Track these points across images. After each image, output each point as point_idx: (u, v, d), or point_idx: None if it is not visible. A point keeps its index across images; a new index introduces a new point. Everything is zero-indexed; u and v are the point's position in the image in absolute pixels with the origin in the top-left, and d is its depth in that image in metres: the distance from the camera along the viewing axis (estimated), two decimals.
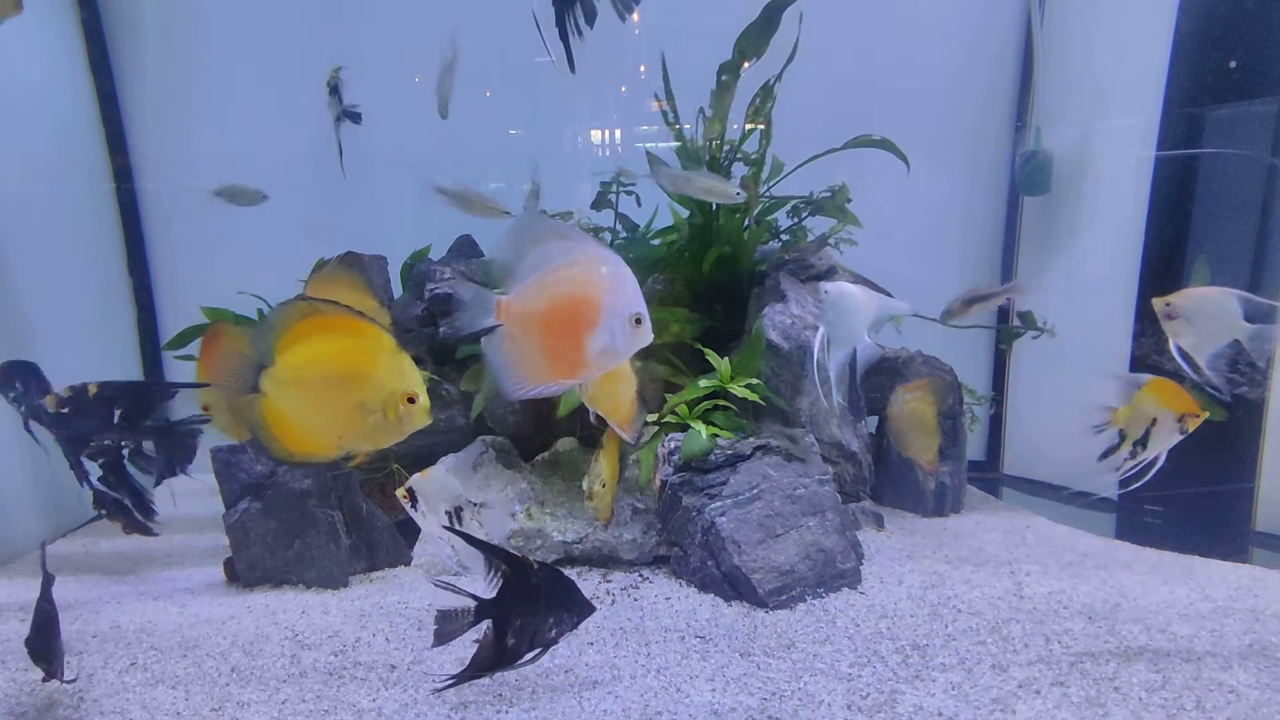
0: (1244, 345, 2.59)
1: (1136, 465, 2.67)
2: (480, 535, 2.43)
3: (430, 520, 2.49)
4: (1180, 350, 2.66)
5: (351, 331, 2.08)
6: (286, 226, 3.97)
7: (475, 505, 2.55)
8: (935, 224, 4.70)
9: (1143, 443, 2.65)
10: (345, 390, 2.08)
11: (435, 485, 2.50)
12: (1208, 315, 2.63)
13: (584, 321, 1.99)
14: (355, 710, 2.25)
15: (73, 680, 2.40)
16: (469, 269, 3.92)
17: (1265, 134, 3.66)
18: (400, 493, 2.49)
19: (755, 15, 3.46)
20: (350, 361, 2.07)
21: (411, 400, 2.09)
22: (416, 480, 2.50)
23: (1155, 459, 2.66)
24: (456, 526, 2.48)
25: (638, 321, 1.99)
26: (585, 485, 3.12)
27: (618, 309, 1.98)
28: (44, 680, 2.23)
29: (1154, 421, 2.62)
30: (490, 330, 2.04)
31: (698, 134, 3.69)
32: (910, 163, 3.66)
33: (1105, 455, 2.74)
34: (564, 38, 2.71)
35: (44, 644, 2.21)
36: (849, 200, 3.85)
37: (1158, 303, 2.69)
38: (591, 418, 3.24)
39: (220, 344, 2.73)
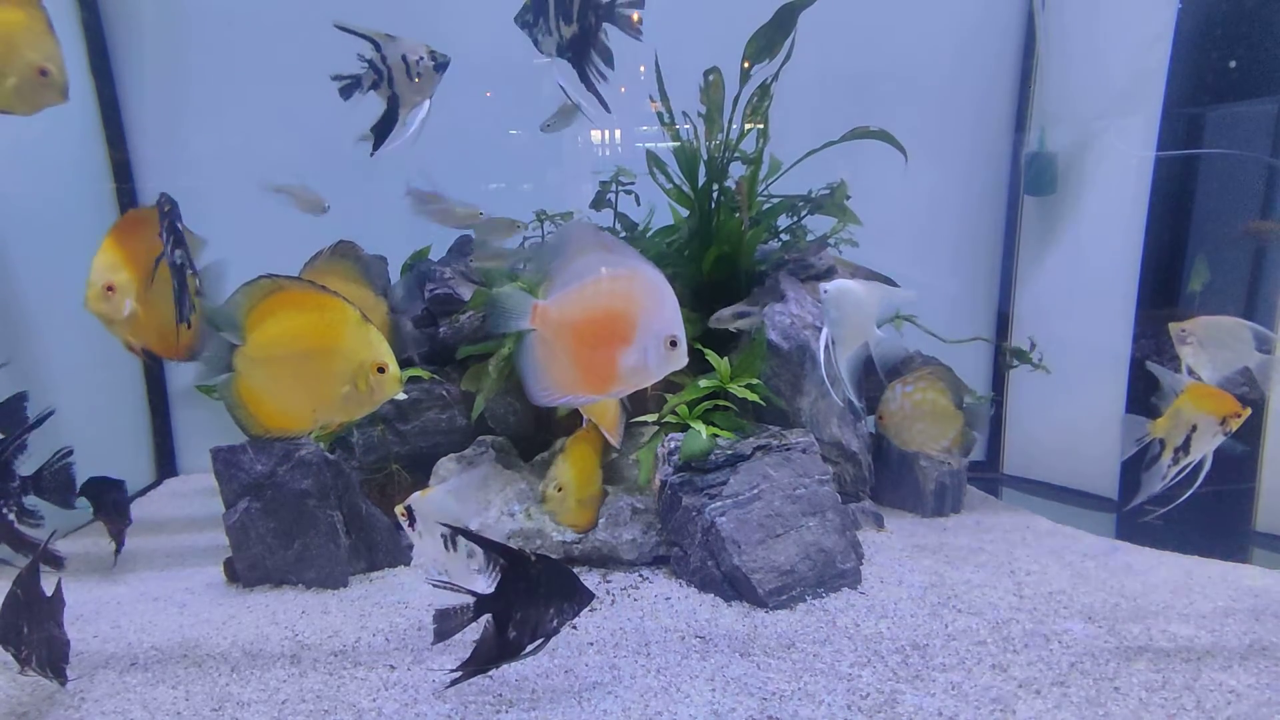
0: (1254, 373, 2.68)
1: (1180, 471, 2.70)
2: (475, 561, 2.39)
3: (426, 542, 2.41)
4: (1191, 373, 2.78)
5: (316, 305, 2.10)
6: (286, 226, 3.96)
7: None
8: (935, 223, 4.70)
9: (1184, 449, 2.69)
10: (316, 364, 2.10)
11: (435, 507, 2.43)
12: (1221, 343, 2.72)
13: (618, 337, 1.97)
14: (355, 710, 2.25)
15: (75, 678, 2.39)
16: (469, 269, 3.93)
17: (1265, 134, 3.66)
18: (399, 510, 2.42)
19: (754, 16, 3.46)
20: (318, 335, 2.09)
21: (381, 370, 2.10)
22: (416, 500, 2.43)
23: (1202, 463, 2.70)
24: (455, 532, 2.43)
25: (673, 344, 1.97)
26: (540, 488, 3.11)
27: (654, 329, 1.96)
28: (20, 671, 2.22)
29: (1194, 428, 2.66)
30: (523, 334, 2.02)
31: (700, 134, 3.69)
32: (910, 162, 3.66)
33: (1148, 467, 2.77)
34: (590, 87, 2.75)
35: (12, 629, 2.20)
36: (848, 197, 3.85)
37: (1174, 327, 2.81)
38: (584, 423, 3.25)
39: (143, 231, 2.61)
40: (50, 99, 2.33)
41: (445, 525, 2.31)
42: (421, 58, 2.74)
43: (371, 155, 2.84)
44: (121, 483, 3.43)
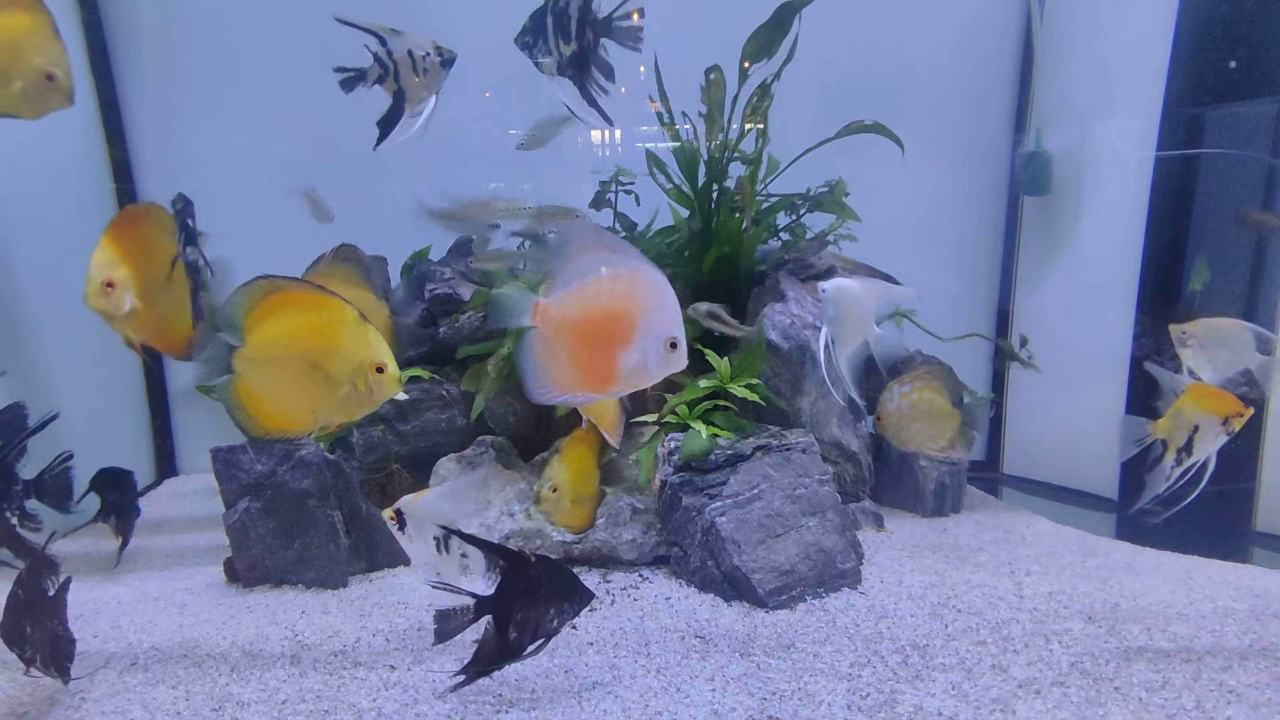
0: (1254, 375, 2.68)
1: (1184, 472, 2.69)
2: (467, 567, 2.34)
3: (417, 545, 2.37)
4: (1192, 374, 2.78)
5: (314, 305, 2.09)
6: (286, 227, 3.97)
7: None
8: (935, 223, 4.70)
9: (1187, 449, 2.68)
10: (314, 364, 2.09)
11: (427, 510, 2.38)
12: (1222, 345, 2.72)
13: (619, 337, 1.97)
14: (355, 710, 2.25)
15: (78, 677, 2.39)
16: (469, 269, 3.92)
17: (1265, 134, 3.66)
18: (388, 514, 2.38)
19: (755, 16, 3.46)
20: (316, 335, 2.09)
21: (380, 369, 2.10)
22: (407, 501, 2.38)
23: (1206, 464, 2.69)
24: (455, 536, 2.39)
25: (673, 346, 1.97)
26: (535, 488, 3.10)
27: (654, 330, 1.96)
28: (25, 672, 2.23)
29: (1196, 428, 2.65)
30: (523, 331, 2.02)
31: (700, 134, 3.69)
32: (910, 161, 3.66)
33: (1151, 469, 2.77)
34: (593, 103, 2.79)
35: (15, 630, 2.21)
36: (846, 194, 3.85)
37: (1174, 329, 2.81)
38: (583, 423, 3.25)
39: (142, 227, 2.60)
40: (56, 104, 2.33)
41: (442, 528, 2.30)
42: (428, 53, 2.73)
43: (375, 149, 2.83)
44: (131, 474, 3.45)
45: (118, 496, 3.43)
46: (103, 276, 2.51)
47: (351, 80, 2.77)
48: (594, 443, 3.28)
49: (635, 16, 2.76)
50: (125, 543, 3.44)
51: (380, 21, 2.78)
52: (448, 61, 2.76)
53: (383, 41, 2.72)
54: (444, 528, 2.33)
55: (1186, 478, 2.71)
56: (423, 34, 2.80)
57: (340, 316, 2.10)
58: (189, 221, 2.63)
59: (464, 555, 2.34)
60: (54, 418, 2.96)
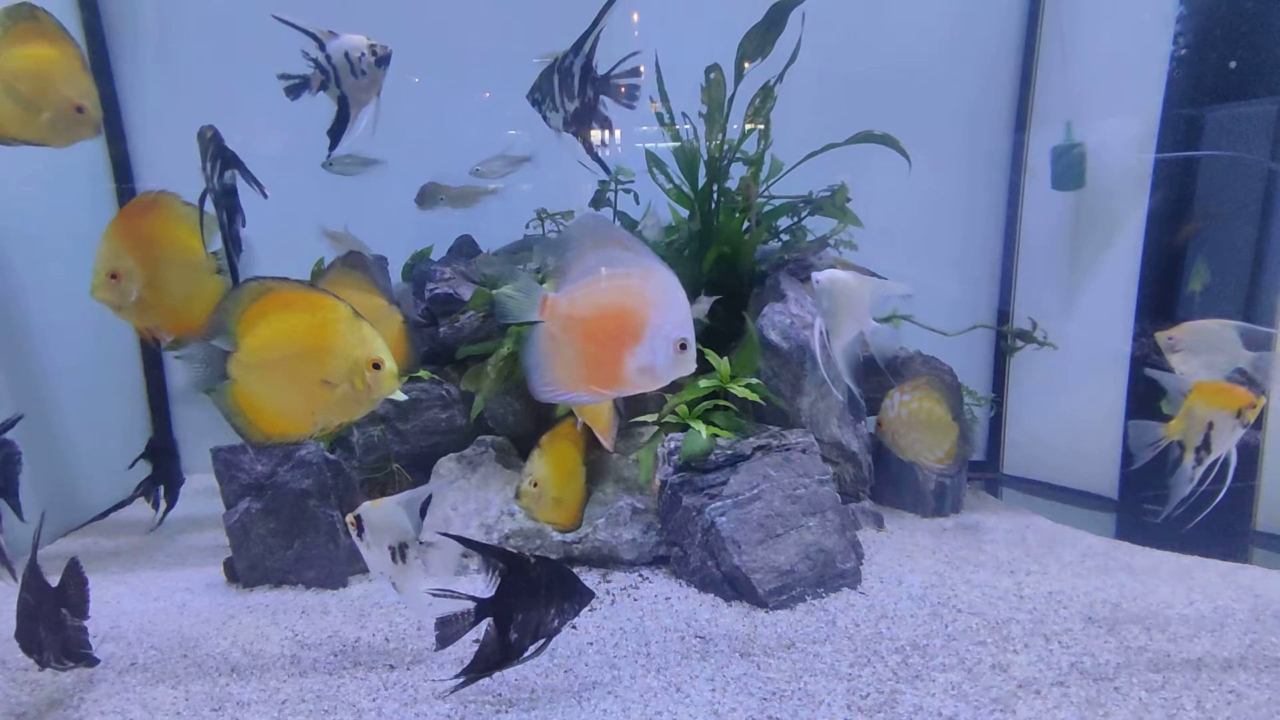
0: (1249, 372, 2.67)
1: (1206, 471, 2.68)
2: (423, 577, 2.32)
3: (374, 553, 2.35)
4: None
5: (307, 305, 2.07)
6: (286, 227, 3.97)
7: (422, 544, 2.38)
8: (935, 223, 4.70)
9: (1205, 448, 2.67)
10: (310, 365, 2.07)
11: (384, 517, 2.35)
12: (1209, 347, 2.71)
13: (628, 335, 1.94)
14: (355, 710, 2.25)
15: (98, 663, 2.40)
16: (469, 269, 3.93)
17: (1265, 134, 3.66)
18: (349, 519, 2.37)
19: (754, 15, 3.46)
20: (311, 335, 2.06)
21: (377, 366, 2.07)
22: (366, 509, 2.36)
23: (1228, 459, 2.67)
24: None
25: (683, 347, 1.94)
26: (517, 484, 3.10)
27: (664, 330, 1.93)
28: (39, 670, 2.24)
29: (1211, 425, 2.64)
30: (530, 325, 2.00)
31: (700, 134, 3.69)
32: (912, 160, 3.66)
33: (1171, 471, 2.75)
34: (594, 155, 2.95)
35: (31, 634, 2.21)
36: (848, 200, 3.85)
37: (1160, 336, 2.81)
38: (579, 425, 3.25)
39: (149, 217, 2.57)
40: (84, 134, 2.35)
41: (451, 535, 2.29)
42: (363, 54, 2.72)
43: (328, 155, 2.85)
44: (174, 441, 3.68)
45: (168, 464, 3.66)
46: (108, 267, 2.51)
47: (296, 88, 2.78)
48: (578, 439, 3.27)
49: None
50: (170, 507, 3.66)
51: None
52: (383, 60, 2.76)
53: (321, 46, 2.72)
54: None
55: (1211, 476, 2.69)
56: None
57: (334, 315, 2.08)
58: (223, 145, 2.59)
59: (422, 563, 2.34)
60: (19, 418, 2.91)
